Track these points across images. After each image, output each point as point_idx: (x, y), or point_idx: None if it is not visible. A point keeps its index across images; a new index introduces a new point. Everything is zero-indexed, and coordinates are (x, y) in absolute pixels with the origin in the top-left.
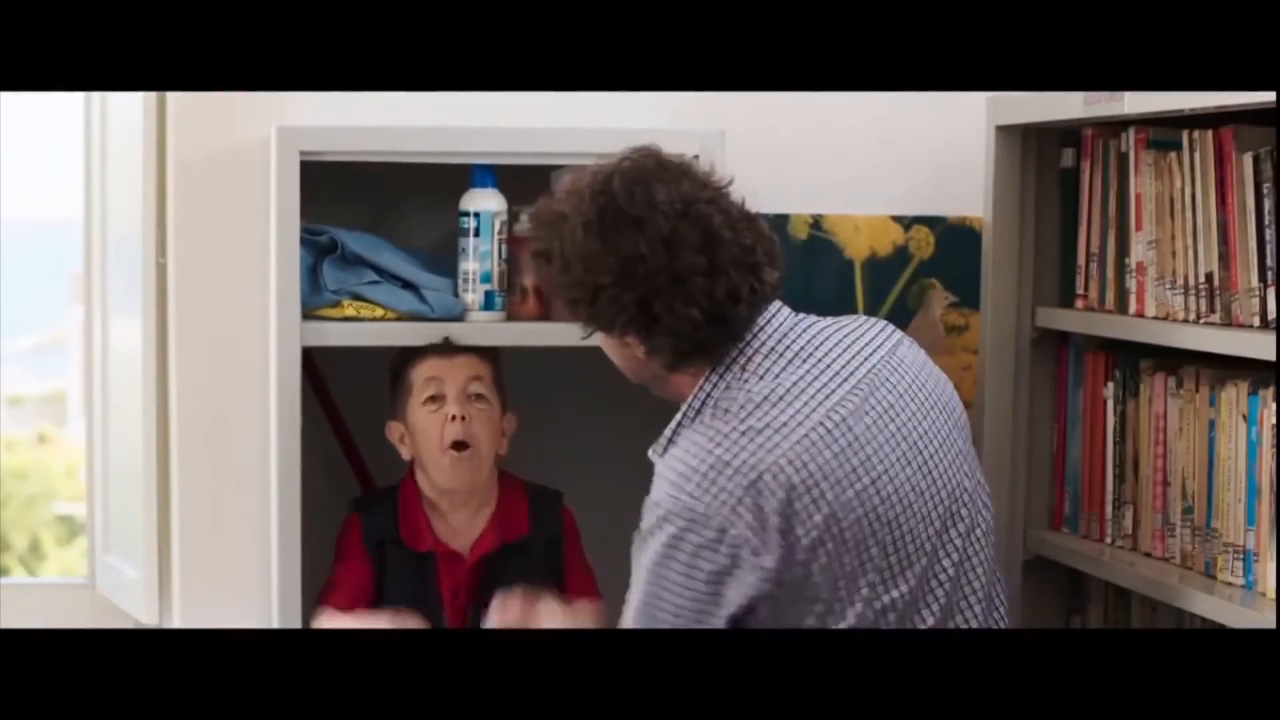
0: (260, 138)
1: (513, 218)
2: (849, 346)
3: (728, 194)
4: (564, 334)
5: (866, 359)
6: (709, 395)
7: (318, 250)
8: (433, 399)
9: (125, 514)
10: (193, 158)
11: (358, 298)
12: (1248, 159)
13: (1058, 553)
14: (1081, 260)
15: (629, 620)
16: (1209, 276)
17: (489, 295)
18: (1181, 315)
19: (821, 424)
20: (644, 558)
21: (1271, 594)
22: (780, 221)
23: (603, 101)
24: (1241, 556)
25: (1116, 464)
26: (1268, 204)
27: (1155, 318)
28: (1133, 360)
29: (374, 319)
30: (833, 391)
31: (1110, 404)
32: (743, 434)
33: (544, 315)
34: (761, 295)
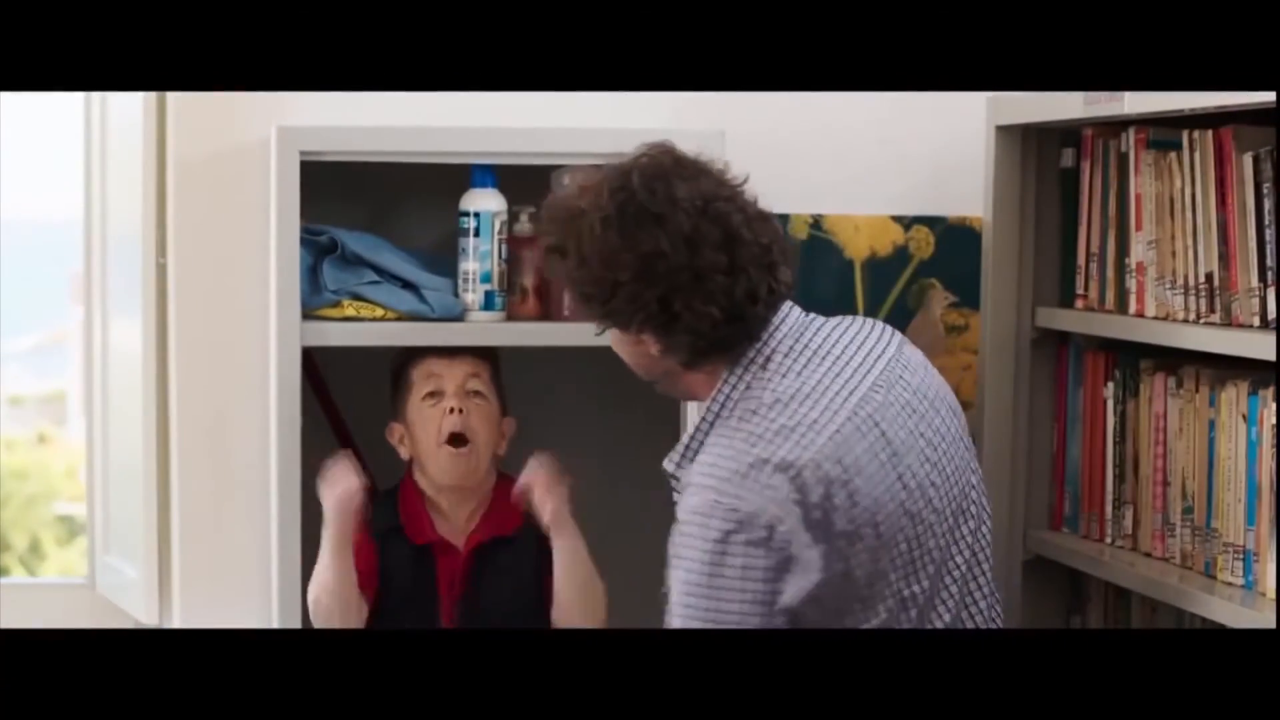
0: (260, 138)
1: (513, 218)
2: (860, 345)
3: (743, 192)
4: (564, 334)
5: (880, 357)
6: (728, 397)
7: (318, 250)
8: (432, 394)
9: (125, 514)
10: (193, 158)
11: (358, 298)
12: (1248, 159)
13: (1058, 553)
14: (1081, 260)
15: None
16: (1209, 276)
17: (489, 295)
18: (1181, 315)
19: (850, 419)
20: (690, 574)
21: (1271, 594)
22: (780, 221)
23: (603, 101)
24: (1241, 556)
25: (1116, 464)
26: (1268, 204)
27: (1155, 318)
28: (1133, 360)
29: (374, 319)
30: (856, 388)
31: (1110, 404)
32: (776, 432)
33: (544, 315)
34: (778, 294)
